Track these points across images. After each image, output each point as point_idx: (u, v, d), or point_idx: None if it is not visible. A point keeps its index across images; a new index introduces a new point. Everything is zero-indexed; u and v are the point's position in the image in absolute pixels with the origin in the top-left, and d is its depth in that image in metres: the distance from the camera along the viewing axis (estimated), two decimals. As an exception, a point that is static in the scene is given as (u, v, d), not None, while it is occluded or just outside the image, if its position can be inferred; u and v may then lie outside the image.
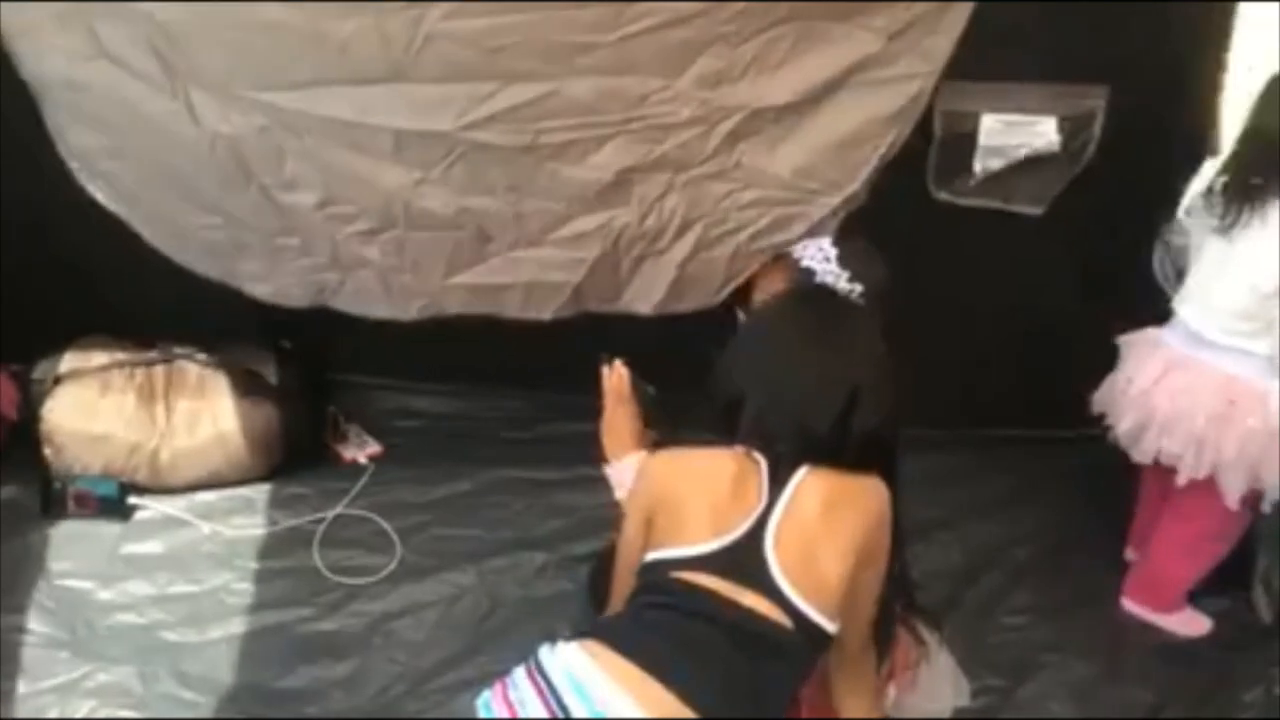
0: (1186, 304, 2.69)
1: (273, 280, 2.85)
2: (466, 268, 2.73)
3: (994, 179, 2.83)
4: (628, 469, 2.10)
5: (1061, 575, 3.01)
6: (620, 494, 2.12)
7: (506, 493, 3.13)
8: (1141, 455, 2.73)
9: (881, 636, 2.24)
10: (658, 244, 2.75)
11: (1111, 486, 3.08)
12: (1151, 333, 2.76)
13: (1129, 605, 2.93)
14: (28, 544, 2.85)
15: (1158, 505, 2.88)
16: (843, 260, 2.45)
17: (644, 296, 2.83)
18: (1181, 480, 2.67)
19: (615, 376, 2.22)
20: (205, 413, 3.02)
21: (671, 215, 2.70)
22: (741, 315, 2.31)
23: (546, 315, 2.86)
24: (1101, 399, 2.82)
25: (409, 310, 2.73)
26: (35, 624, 2.64)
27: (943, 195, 2.86)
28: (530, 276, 2.77)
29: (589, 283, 2.75)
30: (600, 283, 2.76)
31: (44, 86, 2.61)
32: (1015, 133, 2.76)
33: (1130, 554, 3.04)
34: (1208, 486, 2.65)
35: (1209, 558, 2.84)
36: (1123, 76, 2.72)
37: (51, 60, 2.56)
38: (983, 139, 2.77)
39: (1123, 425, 2.74)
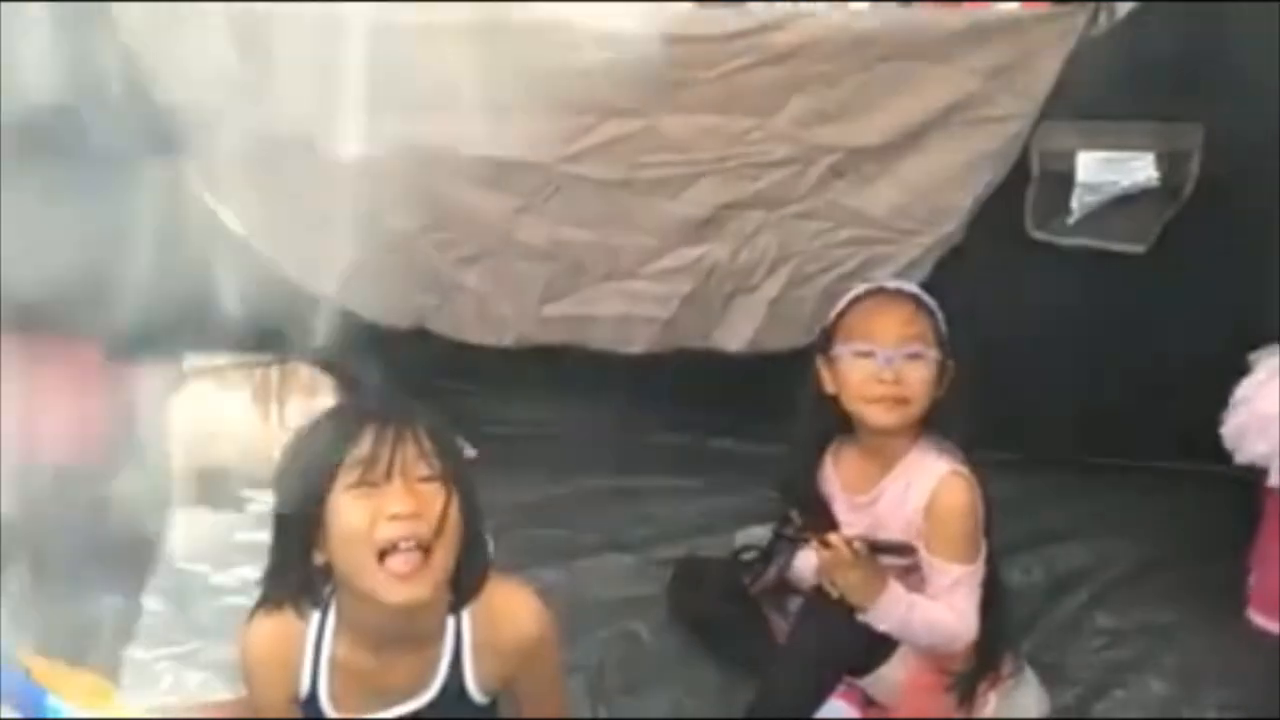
0: None
1: (377, 301, 2.96)
2: (559, 298, 2.81)
3: (1093, 217, 2.78)
4: None
5: (1146, 600, 2.96)
6: None
7: (597, 499, 3.18)
8: (1242, 457, 2.70)
9: (993, 648, 2.34)
10: (749, 281, 2.79)
11: (1204, 518, 3.06)
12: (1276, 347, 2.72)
13: (1254, 617, 2.87)
14: (149, 530, 2.98)
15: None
16: None
17: (734, 334, 2.87)
18: (1273, 481, 2.63)
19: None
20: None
21: (764, 252, 2.74)
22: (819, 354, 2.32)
23: (636, 349, 2.92)
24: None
25: (503, 338, 2.82)
26: (154, 603, 2.79)
27: (1040, 235, 2.81)
28: (622, 309, 2.85)
29: (680, 318, 2.80)
30: (691, 318, 2.81)
31: (177, 109, 2.74)
32: (1113, 169, 2.71)
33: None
34: None
35: None
36: (1222, 112, 2.66)
37: (184, 85, 2.69)
38: (1080, 176, 2.72)
39: (1227, 427, 2.70)
